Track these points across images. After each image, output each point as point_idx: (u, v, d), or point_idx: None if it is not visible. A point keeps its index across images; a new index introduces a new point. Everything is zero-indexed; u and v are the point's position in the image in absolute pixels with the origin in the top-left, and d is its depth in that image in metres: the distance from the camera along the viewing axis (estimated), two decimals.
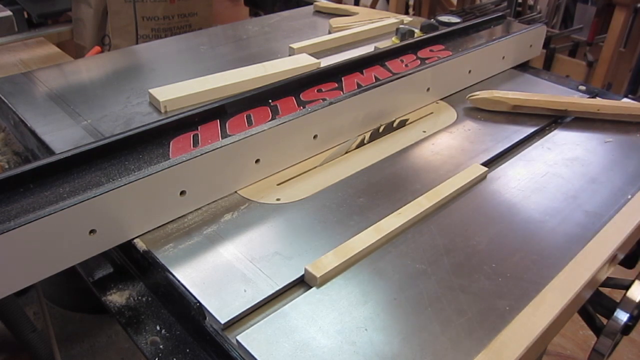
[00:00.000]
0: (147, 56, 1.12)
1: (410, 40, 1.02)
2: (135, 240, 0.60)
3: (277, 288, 0.53)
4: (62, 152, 0.64)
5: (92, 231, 0.56)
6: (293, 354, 0.46)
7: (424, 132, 0.84)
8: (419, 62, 0.96)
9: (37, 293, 1.00)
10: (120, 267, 0.65)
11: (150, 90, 0.88)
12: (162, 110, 0.86)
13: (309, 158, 0.76)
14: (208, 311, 0.51)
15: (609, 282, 0.72)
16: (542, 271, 0.56)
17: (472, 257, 0.58)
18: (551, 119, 0.87)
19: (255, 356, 0.46)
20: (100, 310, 1.50)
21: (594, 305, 0.86)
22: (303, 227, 0.62)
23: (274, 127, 0.68)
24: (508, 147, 0.79)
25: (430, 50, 1.00)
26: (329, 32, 1.22)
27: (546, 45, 2.25)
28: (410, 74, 0.84)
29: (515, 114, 0.88)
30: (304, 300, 0.52)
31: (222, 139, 0.70)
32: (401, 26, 1.13)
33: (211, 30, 1.34)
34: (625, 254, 0.66)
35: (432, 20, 1.21)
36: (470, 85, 0.98)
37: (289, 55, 1.08)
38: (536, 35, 1.08)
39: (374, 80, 0.87)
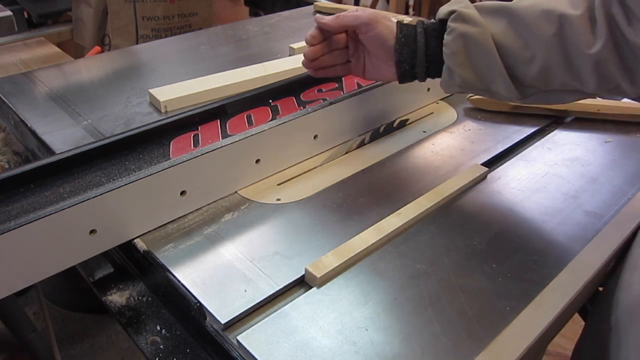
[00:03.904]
0: (147, 56, 1.12)
1: None
2: (135, 240, 0.60)
3: (278, 288, 0.53)
4: (62, 152, 0.65)
5: (92, 231, 0.56)
6: (293, 354, 0.46)
7: (424, 132, 0.84)
8: None
9: (37, 293, 0.99)
10: (121, 267, 0.65)
11: (150, 90, 0.88)
12: (163, 110, 0.86)
13: (309, 158, 0.76)
14: (208, 311, 0.51)
15: None
16: (543, 271, 0.56)
17: (472, 257, 0.58)
18: (551, 119, 0.87)
19: (256, 356, 0.46)
20: (101, 310, 1.50)
21: (594, 305, 0.86)
22: (303, 227, 0.62)
23: (274, 127, 0.68)
24: (508, 147, 0.79)
25: None
26: None
27: None
28: None
29: (515, 114, 0.88)
30: (304, 301, 0.52)
31: (222, 139, 0.70)
32: None
33: (211, 30, 1.34)
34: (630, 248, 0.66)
35: (432, 20, 1.21)
36: None
37: (289, 55, 1.08)
38: None
39: (374, 80, 0.87)
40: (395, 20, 0.66)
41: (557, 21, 0.56)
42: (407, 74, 0.65)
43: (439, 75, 0.64)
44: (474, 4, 0.62)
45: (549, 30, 0.56)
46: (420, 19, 0.71)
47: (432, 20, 0.65)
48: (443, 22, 0.62)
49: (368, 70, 0.70)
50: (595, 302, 0.71)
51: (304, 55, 0.69)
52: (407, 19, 1.24)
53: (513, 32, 0.59)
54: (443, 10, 0.62)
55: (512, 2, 0.61)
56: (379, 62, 0.67)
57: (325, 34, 0.68)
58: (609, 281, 0.66)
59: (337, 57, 0.70)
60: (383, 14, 0.67)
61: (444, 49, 0.61)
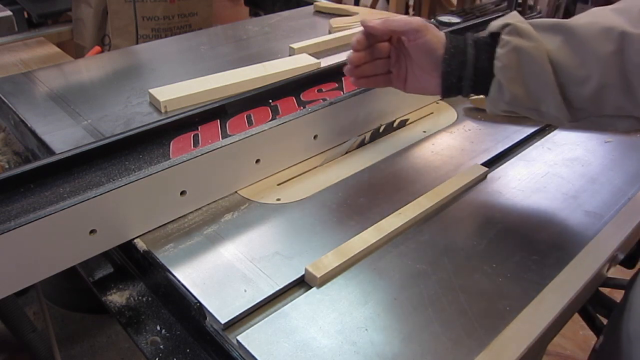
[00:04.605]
0: (147, 56, 1.12)
1: None
2: (135, 240, 0.60)
3: (278, 288, 0.53)
4: (62, 152, 0.65)
5: (92, 231, 0.56)
6: (293, 354, 0.46)
7: (424, 132, 0.84)
8: None
9: (37, 293, 0.99)
10: (121, 267, 0.65)
11: (150, 90, 0.88)
12: (163, 110, 0.86)
13: (309, 158, 0.76)
14: (208, 311, 0.51)
15: (609, 282, 0.72)
16: (543, 271, 0.56)
17: (472, 257, 0.58)
18: None
19: (256, 356, 0.46)
20: (100, 310, 1.50)
21: (594, 305, 0.86)
22: (303, 227, 0.62)
23: (274, 127, 0.68)
24: (508, 147, 0.79)
25: None
26: (329, 32, 1.23)
27: None
28: None
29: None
30: (304, 301, 0.52)
31: (222, 139, 0.70)
32: None
33: (211, 30, 1.34)
34: (625, 254, 0.66)
35: (432, 20, 1.21)
36: None
37: (289, 55, 1.08)
38: None
39: (416, 93, 0.87)
40: (444, 31, 0.64)
41: (618, 39, 0.54)
42: (452, 87, 0.62)
43: (485, 92, 0.62)
44: (529, 20, 0.60)
45: (607, 48, 0.54)
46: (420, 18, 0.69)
47: (484, 34, 0.62)
48: (494, 36, 0.60)
49: (410, 81, 0.67)
50: (613, 316, 0.71)
51: (349, 61, 0.66)
52: None
53: (569, 50, 0.56)
54: (495, 24, 0.60)
55: (569, 19, 0.59)
56: (422, 72, 0.65)
57: (370, 40, 0.65)
58: (629, 294, 0.65)
59: (379, 67, 0.67)
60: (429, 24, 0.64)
61: (495, 62, 0.59)
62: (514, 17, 0.59)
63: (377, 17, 1.31)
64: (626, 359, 0.59)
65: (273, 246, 0.59)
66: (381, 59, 0.67)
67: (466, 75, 0.61)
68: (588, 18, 0.57)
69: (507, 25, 0.59)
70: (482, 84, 0.61)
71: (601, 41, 0.55)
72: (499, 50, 0.59)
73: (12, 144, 0.91)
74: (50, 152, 0.75)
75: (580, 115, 0.59)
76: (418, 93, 0.69)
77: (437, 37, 0.62)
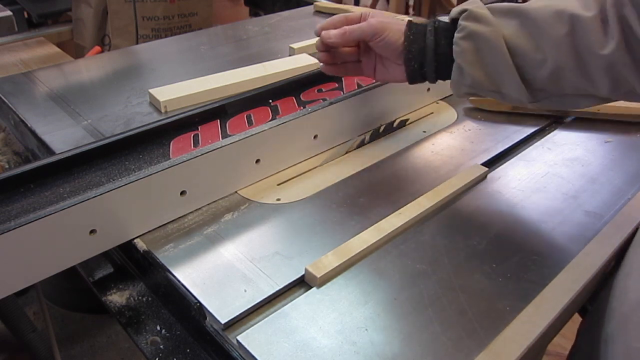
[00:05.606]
0: (147, 56, 1.12)
1: None
2: (135, 240, 0.60)
3: (278, 288, 0.53)
4: (62, 152, 0.65)
5: (92, 231, 0.56)
6: (293, 354, 0.46)
7: (424, 132, 0.84)
8: None
9: (37, 293, 0.99)
10: (121, 267, 0.65)
11: (150, 90, 0.88)
12: (162, 110, 0.86)
13: (309, 158, 0.76)
14: (208, 311, 0.51)
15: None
16: (543, 271, 0.56)
17: (473, 257, 0.58)
18: (551, 119, 0.87)
19: (256, 356, 0.46)
20: (101, 310, 1.50)
21: None
22: (303, 227, 0.62)
23: (274, 127, 0.68)
24: (508, 147, 0.79)
25: None
26: None
27: None
28: None
29: (515, 114, 0.88)
30: (304, 301, 0.52)
31: (222, 139, 0.70)
32: None
33: (211, 30, 1.34)
34: (625, 254, 0.66)
35: (432, 20, 1.21)
36: None
37: (289, 55, 1.08)
38: None
39: (374, 80, 0.87)
40: (407, 20, 0.66)
41: (569, 21, 0.55)
42: (416, 73, 0.64)
43: (449, 77, 0.63)
44: (487, 5, 0.61)
45: (560, 30, 0.55)
46: (420, 18, 0.70)
47: (444, 20, 0.64)
48: (455, 22, 0.61)
49: (379, 70, 0.69)
50: (588, 316, 0.70)
51: (317, 48, 0.70)
52: (406, 19, 1.24)
53: (524, 33, 0.58)
54: (455, 10, 0.62)
55: (525, 3, 0.60)
56: (389, 62, 0.67)
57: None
58: (601, 293, 0.65)
59: (348, 55, 0.70)
60: (390, 19, 0.66)
61: (454, 46, 0.60)
62: (473, 3, 0.61)
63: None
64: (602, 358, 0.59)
65: (273, 246, 0.59)
66: (350, 47, 0.70)
67: (427, 61, 0.63)
68: (543, 2, 0.58)
69: (464, 11, 0.60)
70: (444, 70, 0.63)
71: (554, 24, 0.56)
72: (457, 35, 0.60)
73: (12, 144, 0.91)
74: (50, 152, 0.75)
75: (541, 96, 0.61)
76: (388, 81, 0.72)
77: (397, 32, 0.64)
